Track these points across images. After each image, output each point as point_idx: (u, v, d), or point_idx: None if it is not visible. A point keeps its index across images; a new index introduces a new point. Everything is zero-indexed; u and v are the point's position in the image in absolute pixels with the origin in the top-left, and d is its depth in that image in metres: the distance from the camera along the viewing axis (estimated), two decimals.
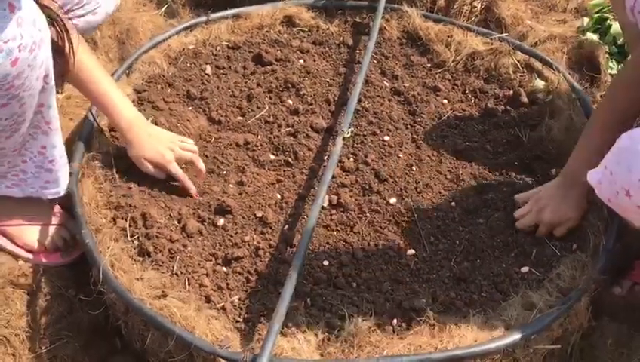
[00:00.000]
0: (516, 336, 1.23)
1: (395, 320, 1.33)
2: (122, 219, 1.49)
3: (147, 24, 2.20)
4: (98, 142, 1.63)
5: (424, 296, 1.36)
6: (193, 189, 1.57)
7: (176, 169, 1.56)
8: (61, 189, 1.49)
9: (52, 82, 1.29)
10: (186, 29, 2.03)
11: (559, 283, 1.34)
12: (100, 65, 1.56)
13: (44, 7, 1.27)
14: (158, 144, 1.56)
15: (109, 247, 1.39)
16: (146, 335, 1.29)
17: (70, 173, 1.53)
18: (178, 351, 1.25)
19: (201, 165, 1.59)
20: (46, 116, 1.34)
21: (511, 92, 1.86)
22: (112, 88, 1.55)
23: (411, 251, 1.47)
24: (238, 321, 1.34)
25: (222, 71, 1.96)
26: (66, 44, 1.36)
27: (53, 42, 1.30)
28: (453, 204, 1.57)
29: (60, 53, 1.36)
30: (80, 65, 1.47)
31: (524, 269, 1.41)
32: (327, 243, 1.49)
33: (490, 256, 1.45)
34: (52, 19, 1.30)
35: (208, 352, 1.21)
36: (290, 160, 1.68)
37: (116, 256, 1.38)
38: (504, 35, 1.99)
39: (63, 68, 1.40)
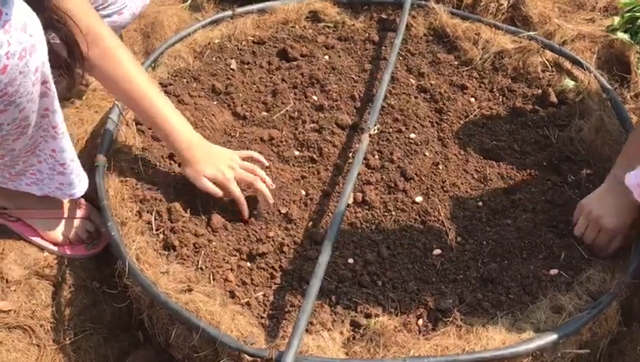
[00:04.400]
0: (545, 340, 1.21)
1: (420, 321, 1.31)
2: (148, 212, 1.48)
3: (172, 18, 2.20)
4: (124, 135, 1.63)
5: (451, 296, 1.35)
6: (246, 214, 1.50)
7: (234, 189, 1.48)
8: (77, 192, 1.46)
9: (53, 87, 1.25)
10: (211, 23, 2.02)
11: (589, 287, 1.32)
12: (153, 82, 1.51)
13: (46, 12, 1.24)
14: (219, 162, 1.49)
15: (134, 241, 1.39)
16: (171, 329, 1.29)
17: (96, 166, 1.53)
18: (203, 346, 1.24)
19: (261, 186, 1.50)
20: (52, 121, 1.31)
21: (540, 91, 1.83)
22: (168, 108, 1.50)
23: (437, 251, 1.45)
24: (262, 317, 1.33)
25: (247, 66, 1.95)
26: (76, 51, 1.34)
27: (55, 52, 1.27)
28: (480, 203, 1.55)
29: (66, 61, 1.33)
30: (132, 84, 1.45)
31: (553, 271, 1.38)
32: (352, 240, 1.48)
33: (518, 258, 1.43)
34: (53, 25, 1.27)
35: (234, 348, 1.20)
36: (314, 156, 1.67)
37: (141, 249, 1.38)
38: (533, 33, 1.96)
39: (71, 79, 1.38)
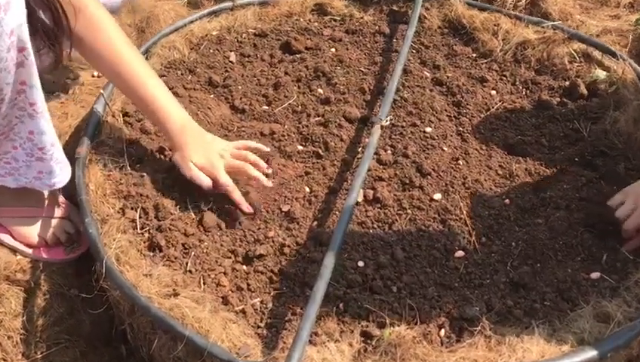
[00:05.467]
0: (591, 352, 1.02)
1: (442, 331, 1.13)
2: (132, 209, 1.32)
3: (169, 12, 2.07)
4: (109, 127, 1.48)
5: (477, 303, 1.17)
6: (244, 205, 1.34)
7: (224, 177, 1.33)
8: (58, 181, 1.31)
9: (31, 57, 1.11)
10: (210, 14, 1.89)
11: (639, 293, 1.13)
12: (143, 59, 1.38)
13: None
14: (208, 150, 1.35)
15: (115, 239, 1.22)
16: (153, 339, 1.11)
17: (76, 158, 1.38)
18: (189, 357, 1.07)
19: (253, 171, 1.36)
20: (29, 97, 1.16)
21: (567, 83, 1.67)
22: (160, 87, 1.36)
23: (460, 253, 1.27)
24: (259, 327, 1.15)
25: (247, 59, 1.80)
26: (62, 20, 1.21)
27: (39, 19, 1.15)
28: (507, 201, 1.38)
29: (52, 30, 1.20)
30: (121, 60, 1.32)
31: (595, 275, 1.20)
32: (362, 242, 1.30)
33: (553, 260, 1.25)
34: None
35: (224, 360, 1.02)
36: (320, 151, 1.51)
37: (122, 248, 1.21)
38: (557, 22, 1.81)
39: (57, 52, 1.24)
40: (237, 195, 1.34)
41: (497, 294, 1.19)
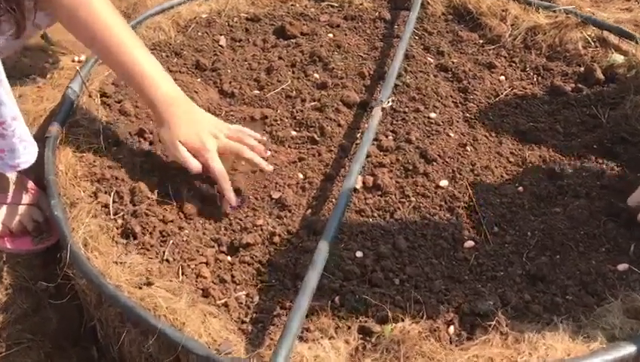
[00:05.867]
0: (625, 350, 0.89)
1: (452, 328, 0.99)
2: (106, 193, 1.19)
3: None
4: (85, 107, 1.35)
5: (490, 297, 1.03)
6: (231, 199, 1.19)
7: (215, 163, 1.19)
8: (22, 162, 1.18)
9: None
10: None
11: None
12: (128, 26, 1.23)
13: None
14: (199, 127, 1.20)
15: (83, 224, 1.09)
16: (122, 333, 0.97)
17: (46, 137, 1.25)
18: (162, 354, 0.93)
19: (250, 154, 1.22)
20: None
21: (582, 69, 1.55)
22: (148, 56, 1.22)
23: (470, 243, 1.14)
24: (243, 322, 1.02)
25: (238, 43, 1.69)
26: None
27: None
28: (520, 189, 1.25)
29: None
30: (102, 23, 1.18)
31: (622, 267, 1.07)
32: (361, 231, 1.17)
33: (574, 251, 1.12)
34: None
35: (202, 356, 0.89)
36: (315, 136, 1.38)
37: (92, 233, 1.08)
38: (570, 7, 1.70)
39: (19, 17, 1.11)
40: (227, 187, 1.19)
41: (513, 287, 1.06)
